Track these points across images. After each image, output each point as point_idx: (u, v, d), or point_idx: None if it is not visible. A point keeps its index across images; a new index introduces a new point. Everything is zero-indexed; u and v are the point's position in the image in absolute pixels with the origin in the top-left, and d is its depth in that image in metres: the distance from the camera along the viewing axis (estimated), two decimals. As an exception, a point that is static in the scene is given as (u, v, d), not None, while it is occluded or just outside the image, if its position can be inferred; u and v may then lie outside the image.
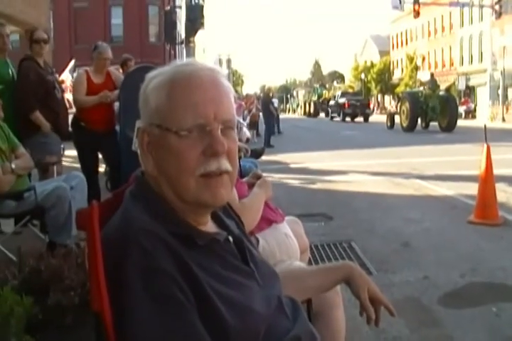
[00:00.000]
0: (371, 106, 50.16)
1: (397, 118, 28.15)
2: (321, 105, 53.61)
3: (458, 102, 43.64)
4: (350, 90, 62.31)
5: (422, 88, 27.98)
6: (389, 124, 29.24)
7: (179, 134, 1.14)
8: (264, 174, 3.01)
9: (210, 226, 1.27)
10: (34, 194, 4.12)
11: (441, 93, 26.44)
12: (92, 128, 5.90)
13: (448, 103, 25.23)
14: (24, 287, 2.47)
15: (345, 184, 9.26)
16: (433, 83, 26.87)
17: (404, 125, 26.11)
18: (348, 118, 42.20)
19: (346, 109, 41.93)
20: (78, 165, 6.31)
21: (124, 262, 1.07)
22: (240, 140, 6.56)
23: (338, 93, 48.97)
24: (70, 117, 6.33)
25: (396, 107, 32.01)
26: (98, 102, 5.85)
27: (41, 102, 5.45)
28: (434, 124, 25.99)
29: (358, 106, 41.73)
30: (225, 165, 1.17)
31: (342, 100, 43.45)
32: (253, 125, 19.69)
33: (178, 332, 1.04)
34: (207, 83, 1.18)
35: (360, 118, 41.77)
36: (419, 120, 26.04)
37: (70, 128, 6.11)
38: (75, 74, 16.41)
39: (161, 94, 1.17)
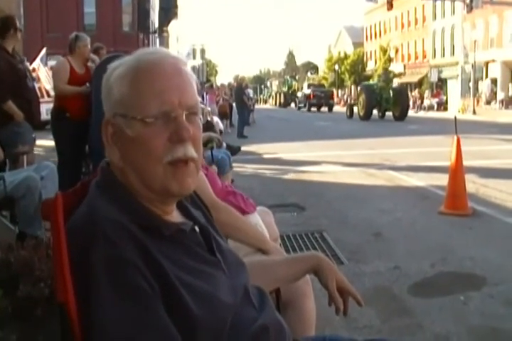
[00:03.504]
0: (345, 96, 51.19)
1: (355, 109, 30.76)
2: (291, 96, 55.64)
3: (430, 94, 44.80)
4: (324, 81, 63.50)
5: (376, 81, 31.24)
6: (348, 114, 31.77)
7: (145, 121, 1.14)
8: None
9: (175, 216, 1.27)
10: (3, 184, 4.06)
11: (394, 85, 29.75)
12: (78, 118, 5.81)
13: (400, 95, 28.29)
14: (-8, 279, 2.43)
15: (318, 174, 9.31)
16: (387, 77, 30.11)
17: (361, 114, 28.80)
18: (313, 108, 44.87)
19: (312, 99, 44.84)
20: (47, 154, 6.22)
21: (88, 252, 1.07)
22: (214, 131, 6.54)
23: (305, 85, 52.61)
24: (43, 106, 6.25)
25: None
26: (79, 92, 5.81)
27: (13, 91, 5.36)
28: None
29: (322, 97, 44.69)
30: (191, 151, 1.17)
31: (308, 91, 46.50)
32: (223, 115, 19.59)
33: (142, 321, 1.04)
34: (170, 71, 1.18)
35: (324, 109, 44.57)
36: (375, 110, 28.81)
37: (47, 118, 6.02)
38: (49, 63, 16.22)
39: (124, 83, 1.17)
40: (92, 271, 1.05)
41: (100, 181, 1.22)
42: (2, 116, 5.25)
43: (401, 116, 27.65)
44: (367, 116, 28.33)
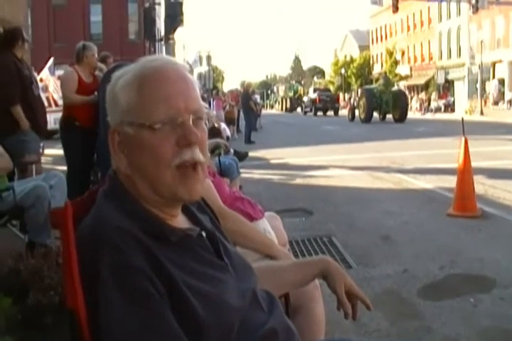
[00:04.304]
0: (351, 100, 51.61)
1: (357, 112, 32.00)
2: (297, 101, 56.41)
3: (437, 96, 44.91)
4: (330, 85, 63.75)
5: (376, 85, 32.60)
6: (350, 117, 33.04)
7: (153, 128, 1.16)
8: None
9: (182, 222, 1.29)
10: (13, 193, 4.09)
11: (393, 89, 31.00)
12: (87, 127, 5.84)
13: (399, 98, 29.70)
14: (3, 287, 2.45)
15: (325, 179, 9.30)
16: (386, 81, 31.50)
17: (362, 117, 30.05)
18: (319, 113, 45.36)
19: (317, 103, 45.45)
20: (56, 164, 6.25)
21: (96, 259, 1.09)
22: (221, 137, 6.56)
23: (311, 89, 53.16)
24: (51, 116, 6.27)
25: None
26: (88, 101, 5.85)
27: (19, 97, 5.40)
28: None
29: (328, 101, 45.35)
30: (198, 155, 1.19)
31: (314, 96, 47.16)
32: (230, 121, 19.65)
33: (151, 326, 1.05)
34: (174, 77, 1.21)
35: (330, 112, 45.19)
36: (375, 113, 30.09)
37: (56, 127, 6.02)
38: (57, 72, 16.30)
39: (130, 91, 1.19)
40: (101, 278, 1.07)
41: (107, 189, 1.24)
42: (8, 125, 5.29)
43: (401, 118, 29.06)
44: (367, 118, 29.56)
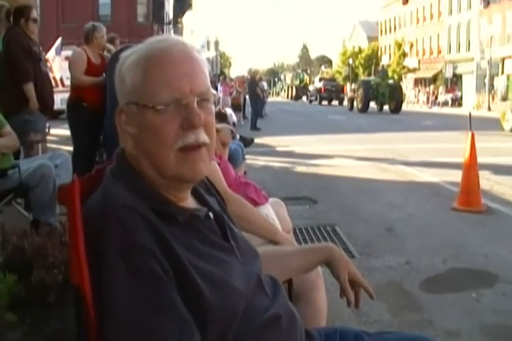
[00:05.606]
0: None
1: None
2: (303, 89, 57.54)
3: (445, 90, 45.11)
4: (338, 75, 63.87)
5: (373, 77, 35.27)
6: (349, 106, 35.60)
7: (156, 109, 1.14)
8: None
9: (190, 202, 1.27)
10: (18, 172, 4.08)
11: (389, 81, 33.00)
12: (95, 108, 5.80)
13: (395, 90, 31.61)
14: (7, 264, 2.45)
15: (330, 168, 9.29)
16: (383, 73, 34.00)
17: (359, 107, 32.33)
18: (324, 102, 46.80)
19: (323, 93, 46.96)
20: (61, 143, 6.24)
21: (103, 237, 1.07)
22: (228, 123, 6.53)
23: (317, 79, 54.70)
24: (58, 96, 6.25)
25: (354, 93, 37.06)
26: (96, 82, 5.82)
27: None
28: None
29: (333, 91, 46.99)
30: (203, 136, 1.17)
31: (319, 85, 48.71)
32: (236, 107, 19.62)
33: (156, 305, 1.04)
34: (180, 58, 1.18)
35: (335, 102, 46.68)
36: (372, 104, 32.36)
37: (62, 107, 6.02)
38: (63, 53, 16.25)
39: (136, 72, 1.18)
40: (107, 256, 1.05)
41: (115, 168, 1.23)
42: (15, 103, 5.28)
43: (396, 109, 31.18)
44: (364, 108, 31.74)
